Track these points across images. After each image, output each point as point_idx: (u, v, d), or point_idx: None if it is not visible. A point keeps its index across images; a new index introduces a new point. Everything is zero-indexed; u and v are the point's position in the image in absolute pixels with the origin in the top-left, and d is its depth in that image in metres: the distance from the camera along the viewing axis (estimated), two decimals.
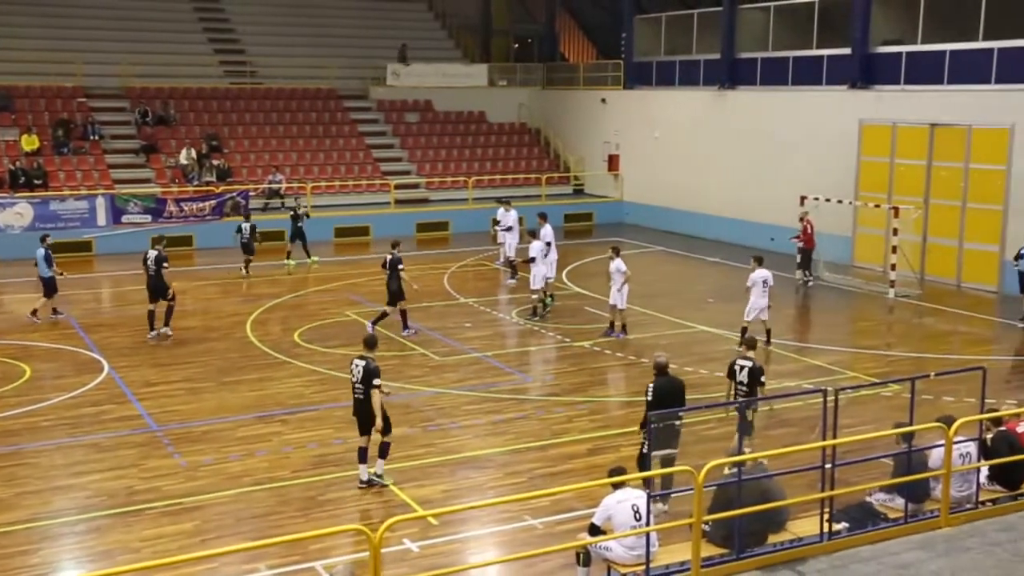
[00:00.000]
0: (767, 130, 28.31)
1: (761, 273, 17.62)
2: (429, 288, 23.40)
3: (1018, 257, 19.68)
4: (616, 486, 8.89)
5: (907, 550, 8.80)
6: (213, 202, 29.08)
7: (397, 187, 32.05)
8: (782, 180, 27.00)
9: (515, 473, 12.44)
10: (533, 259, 20.18)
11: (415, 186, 33.69)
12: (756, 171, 28.56)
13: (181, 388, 15.87)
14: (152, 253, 18.97)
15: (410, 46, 38.59)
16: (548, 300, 20.79)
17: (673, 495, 10.39)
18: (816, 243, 23.52)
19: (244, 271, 24.66)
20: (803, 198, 24.43)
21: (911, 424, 9.64)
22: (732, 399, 12.37)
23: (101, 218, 27.81)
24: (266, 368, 16.90)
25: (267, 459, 12.85)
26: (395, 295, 18.65)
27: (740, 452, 9.24)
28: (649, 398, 11.22)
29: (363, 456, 11.92)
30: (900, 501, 9.50)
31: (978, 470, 9.86)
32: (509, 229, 24.51)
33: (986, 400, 10.62)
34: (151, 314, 18.79)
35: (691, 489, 8.23)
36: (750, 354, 12.42)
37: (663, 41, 33.95)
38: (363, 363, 11.72)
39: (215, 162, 30.83)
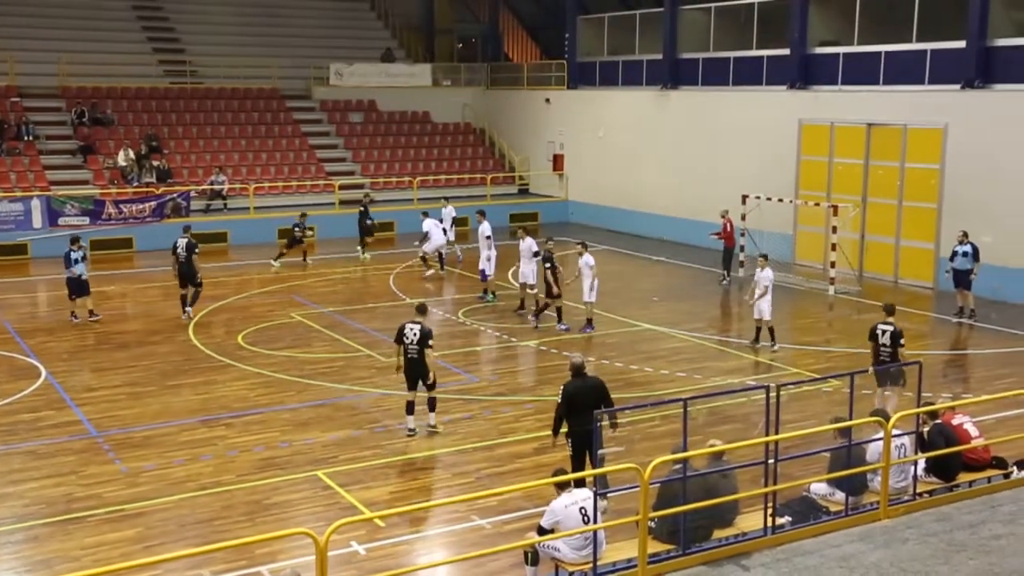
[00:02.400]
0: (709, 129, 28.65)
1: (764, 273, 17.58)
2: (374, 289, 23.30)
3: (953, 256, 20.14)
4: (560, 487, 8.93)
5: (848, 542, 8.97)
6: (153, 203, 28.62)
7: (341, 187, 31.84)
8: (724, 179, 27.33)
9: (462, 473, 12.44)
10: (536, 253, 20.48)
11: (360, 186, 33.48)
12: (699, 170, 28.89)
13: (122, 393, 15.60)
14: (182, 241, 20.07)
15: (353, 46, 38.41)
16: (491, 297, 21.28)
17: (619, 493, 10.47)
18: (736, 242, 23.83)
19: (303, 261, 25.95)
20: (744, 197, 24.78)
21: (850, 419, 9.84)
22: (874, 360, 13.65)
23: (37, 220, 27.21)
24: (210, 371, 16.68)
25: (212, 463, 12.69)
26: (547, 288, 19.32)
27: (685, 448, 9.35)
28: (559, 399, 11.02)
29: (411, 408, 13.55)
30: (840, 495, 9.70)
31: (915, 463, 10.09)
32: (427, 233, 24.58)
33: (923, 394, 10.87)
34: (183, 298, 20.11)
35: (636, 486, 8.30)
36: (890, 319, 13.64)
37: (606, 41, 34.20)
38: (418, 327, 13.36)
39: (155, 163, 30.35)
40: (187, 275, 19.98)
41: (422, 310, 13.90)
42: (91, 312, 19.96)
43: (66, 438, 13.61)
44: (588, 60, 34.59)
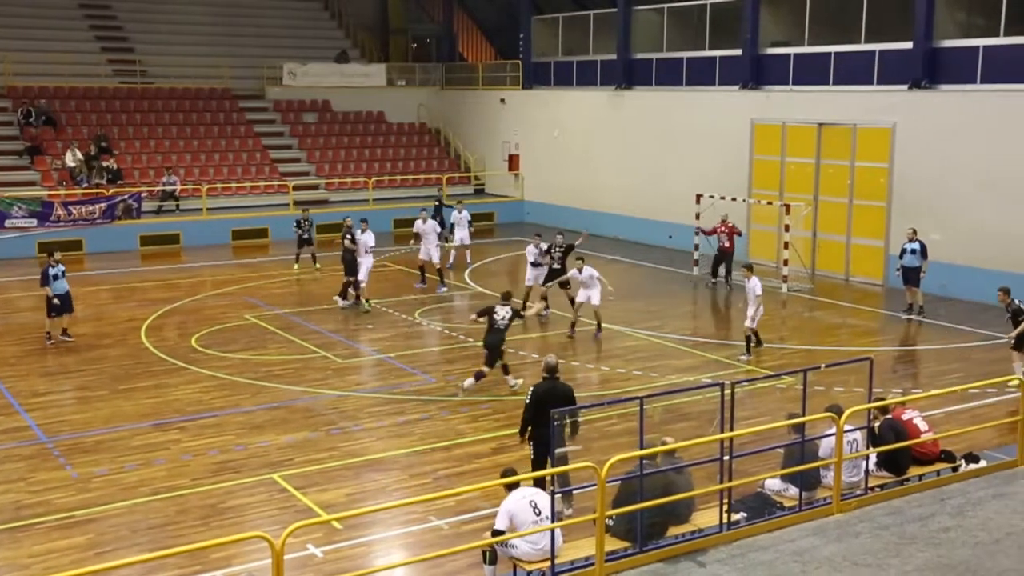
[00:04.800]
0: (663, 129, 28.85)
1: (751, 283, 17.41)
2: (332, 290, 23.14)
3: (902, 254, 20.47)
4: (510, 488, 8.95)
5: (802, 537, 9.09)
6: (103, 205, 28.20)
7: (296, 188, 31.61)
8: (678, 178, 27.55)
9: (420, 474, 12.41)
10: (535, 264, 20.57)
11: (314, 187, 33.27)
12: (653, 170, 29.08)
13: (72, 397, 15.35)
14: (351, 237, 21.20)
15: (307, 46, 38.13)
16: (366, 304, 21.20)
17: (577, 491, 10.51)
18: (734, 247, 23.38)
19: (313, 263, 25.46)
20: (699, 196, 24.98)
21: (804, 415, 9.96)
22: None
23: None
24: (162, 375, 16.47)
25: (165, 468, 12.53)
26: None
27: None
28: (527, 400, 10.96)
29: (479, 376, 15.21)
30: (794, 490, 9.82)
31: (867, 457, 10.24)
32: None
33: (873, 389, 11.04)
34: (345, 286, 21.26)
35: (594, 484, 8.34)
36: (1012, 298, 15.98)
37: (560, 42, 34.32)
38: (508, 307, 15.18)
39: (105, 164, 29.88)
40: (347, 264, 21.10)
41: (507, 297, 15.89)
42: (65, 331, 18.36)
43: (14, 444, 13.36)
44: (543, 60, 34.68)
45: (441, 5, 42.45)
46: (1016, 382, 14.40)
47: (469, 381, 15.20)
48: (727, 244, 23.14)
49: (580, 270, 18.76)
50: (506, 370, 15.54)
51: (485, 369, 15.23)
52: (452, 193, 34.07)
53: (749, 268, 17.80)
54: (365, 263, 21.30)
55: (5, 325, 19.99)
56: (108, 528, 10.89)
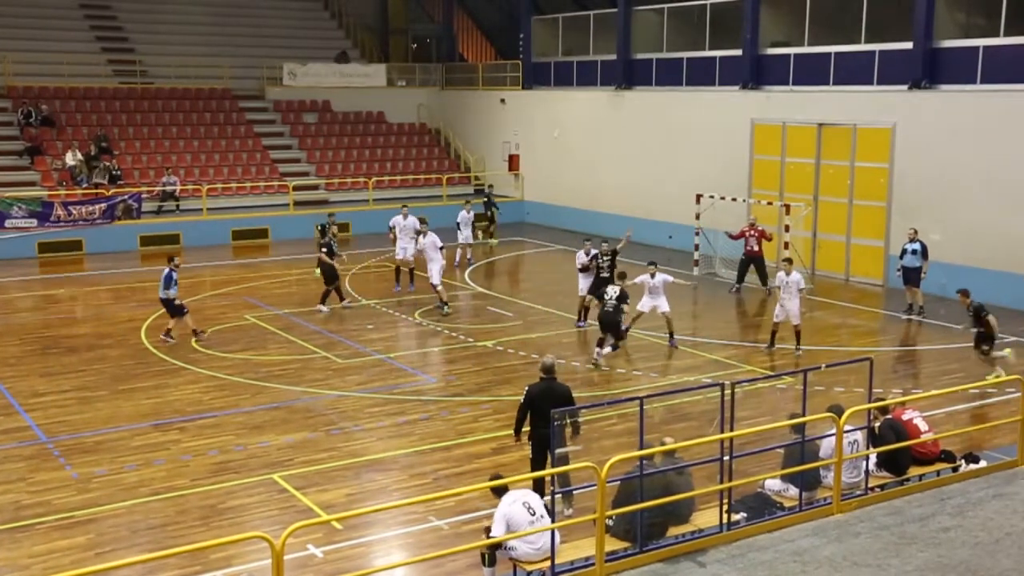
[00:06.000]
0: (663, 129, 28.85)
1: (794, 276, 17.40)
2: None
3: (902, 254, 20.47)
4: (499, 493, 8.92)
5: (802, 537, 9.10)
6: (103, 205, 28.20)
7: (296, 188, 31.61)
8: (679, 179, 27.55)
9: (420, 474, 12.41)
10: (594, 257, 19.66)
11: (315, 187, 33.28)
12: (653, 170, 29.08)
13: (72, 397, 15.34)
14: (325, 242, 21.44)
15: (307, 46, 38.15)
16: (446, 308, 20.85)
17: (577, 491, 10.51)
18: (762, 252, 22.76)
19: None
20: (699, 196, 24.98)
21: (804, 415, 9.96)
22: None
23: None
24: (163, 375, 16.47)
25: (165, 468, 12.53)
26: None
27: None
28: (522, 400, 10.91)
29: (600, 343, 16.79)
30: (794, 490, 9.82)
31: (867, 457, 10.24)
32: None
33: (873, 390, 11.04)
34: (337, 290, 21.25)
35: (594, 485, 8.35)
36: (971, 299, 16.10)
37: (560, 42, 34.32)
38: (618, 288, 16.82)
39: (105, 164, 29.89)
40: (326, 273, 21.11)
41: (623, 276, 17.36)
42: (169, 332, 18.38)
43: (14, 444, 13.35)
44: (543, 60, 34.68)
45: (441, 5, 42.45)
46: (992, 381, 14.77)
47: (606, 350, 16.77)
48: (756, 248, 22.49)
49: (653, 275, 18.02)
50: (601, 343, 16.76)
51: (617, 342, 16.92)
52: (452, 193, 34.13)
53: (789, 262, 17.89)
54: (437, 262, 20.69)
55: (5, 325, 19.99)
56: (108, 528, 10.88)
